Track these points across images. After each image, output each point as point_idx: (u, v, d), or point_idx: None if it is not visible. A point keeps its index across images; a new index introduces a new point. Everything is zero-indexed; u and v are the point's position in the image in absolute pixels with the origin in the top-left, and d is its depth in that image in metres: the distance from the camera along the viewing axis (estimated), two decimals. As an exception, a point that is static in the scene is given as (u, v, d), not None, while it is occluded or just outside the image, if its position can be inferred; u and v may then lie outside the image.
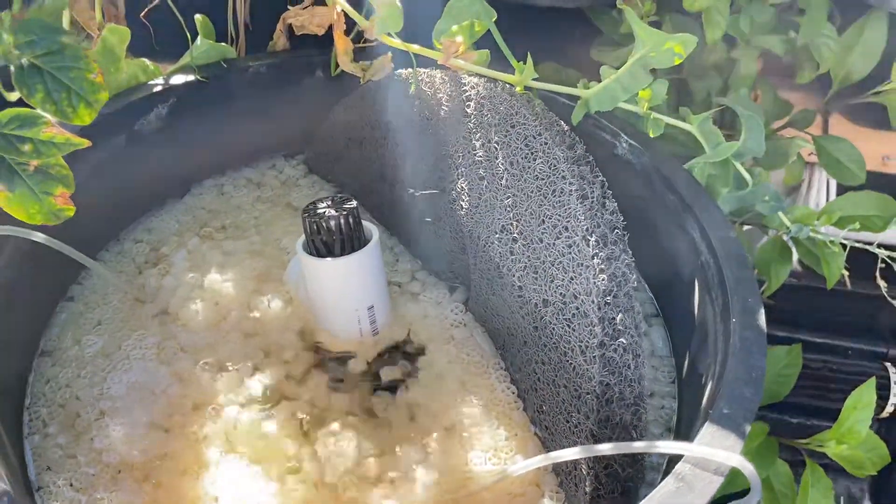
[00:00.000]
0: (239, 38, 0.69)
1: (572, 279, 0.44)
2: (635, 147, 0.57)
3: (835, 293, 0.74)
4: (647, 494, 0.44)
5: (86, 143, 0.36)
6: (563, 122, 0.51)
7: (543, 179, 0.47)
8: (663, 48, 0.51)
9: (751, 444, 0.61)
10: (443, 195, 0.55)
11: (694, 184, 0.54)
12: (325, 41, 0.65)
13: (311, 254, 0.52)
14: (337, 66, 0.68)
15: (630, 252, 0.45)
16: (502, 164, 0.50)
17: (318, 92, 0.69)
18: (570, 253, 0.44)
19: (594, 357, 0.42)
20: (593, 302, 0.42)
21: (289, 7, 0.66)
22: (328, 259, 0.51)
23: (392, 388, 0.51)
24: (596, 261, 0.43)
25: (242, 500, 0.44)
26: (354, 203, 0.51)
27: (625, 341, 0.42)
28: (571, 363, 0.44)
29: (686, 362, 0.52)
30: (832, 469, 0.66)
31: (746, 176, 0.59)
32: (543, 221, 0.46)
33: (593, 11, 0.68)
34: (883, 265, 0.68)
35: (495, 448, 0.48)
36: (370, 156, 0.62)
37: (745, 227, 0.66)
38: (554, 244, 0.45)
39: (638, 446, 0.38)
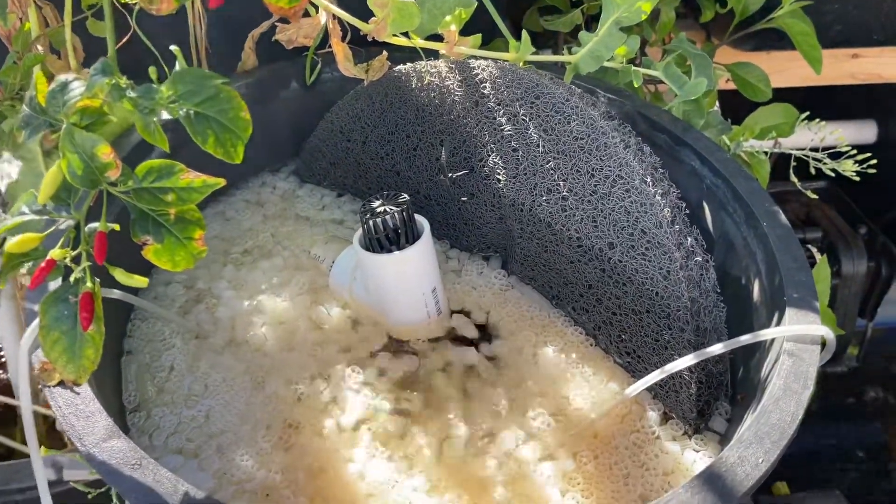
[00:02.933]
0: (201, 64, 0.68)
1: (637, 219, 0.50)
2: (614, 99, 0.64)
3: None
4: (728, 381, 0.52)
5: (221, 182, 0.37)
6: (573, 86, 0.57)
7: (584, 139, 0.52)
8: (634, 7, 0.58)
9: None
10: (473, 174, 0.59)
11: (678, 121, 0.62)
12: (289, 53, 0.66)
13: (373, 251, 0.54)
14: (312, 74, 0.69)
15: (674, 184, 0.52)
16: (535, 132, 0.55)
17: (297, 102, 0.70)
18: (629, 197, 0.50)
19: (679, 279, 0.48)
20: (666, 233, 0.49)
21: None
22: (396, 253, 0.53)
23: (478, 355, 0.56)
24: (658, 197, 0.49)
25: (403, 490, 0.46)
26: (406, 196, 0.54)
27: (699, 259, 0.49)
28: (653, 289, 0.50)
29: (713, 269, 0.60)
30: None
31: (703, 106, 0.69)
32: (593, 175, 0.52)
33: (535, -14, 0.74)
34: (795, 164, 0.80)
35: (588, 383, 0.54)
36: (376, 153, 0.65)
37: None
38: (611, 193, 0.51)
39: (745, 339, 0.45)
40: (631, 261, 0.51)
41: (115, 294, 0.48)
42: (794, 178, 0.82)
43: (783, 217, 0.53)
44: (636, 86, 0.62)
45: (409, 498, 0.46)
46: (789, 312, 0.46)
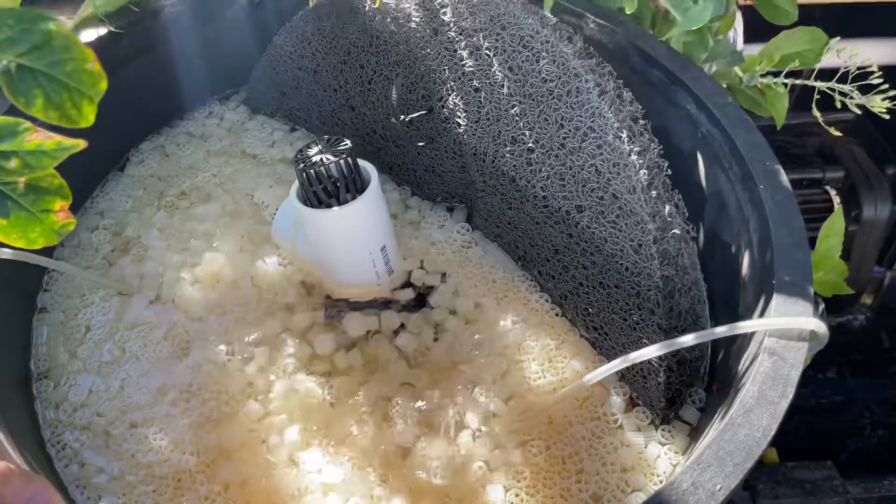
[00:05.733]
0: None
1: (609, 180, 0.43)
2: (605, 26, 0.55)
3: (763, 130, 0.76)
4: (707, 366, 0.46)
5: (81, 144, 0.31)
6: (549, 14, 0.48)
7: (553, 81, 0.44)
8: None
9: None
10: (431, 115, 0.52)
11: (677, 55, 0.53)
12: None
13: (311, 205, 0.48)
14: (261, -11, 0.61)
15: (656, 139, 0.44)
16: (500, 70, 0.47)
17: (244, 23, 0.61)
18: (601, 154, 0.43)
19: (651, 254, 0.42)
20: (639, 199, 0.42)
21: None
22: (335, 208, 0.47)
23: (428, 321, 0.50)
24: (633, 157, 0.42)
25: (331, 480, 0.42)
26: (348, 142, 0.47)
27: (677, 231, 0.42)
28: (622, 263, 0.43)
29: (702, 233, 0.53)
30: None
31: (708, 36, 0.59)
32: (562, 126, 0.44)
33: None
34: (818, 96, 0.71)
35: (549, 359, 0.48)
36: (329, 84, 0.57)
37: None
38: (581, 147, 0.44)
39: (721, 331, 0.39)
40: (600, 228, 0.44)
41: (6, 254, 0.42)
42: (816, 112, 0.72)
43: (785, 179, 0.45)
44: (628, 12, 0.53)
45: (334, 489, 0.41)
46: (777, 300, 0.39)
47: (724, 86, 0.69)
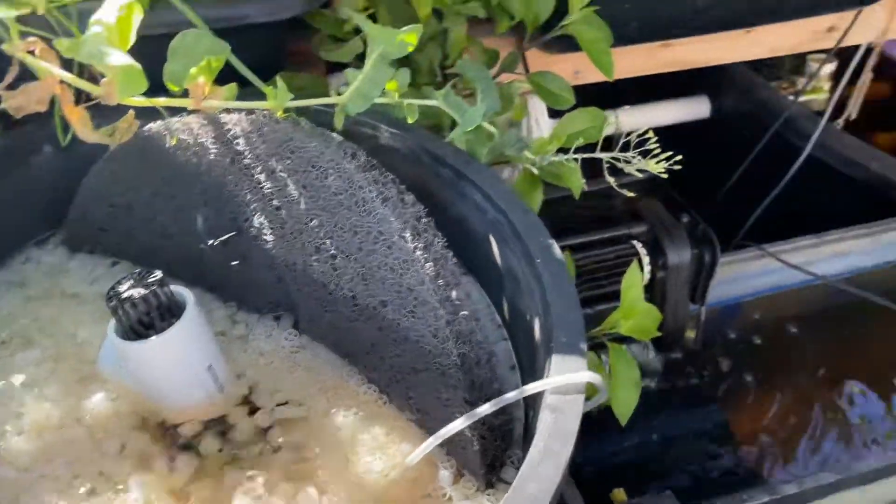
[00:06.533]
0: (-67, 134, 0.60)
1: (402, 276, 0.48)
2: (397, 134, 0.61)
3: (571, 199, 0.84)
4: (523, 427, 0.51)
5: None
6: (334, 134, 0.53)
7: (342, 194, 0.49)
8: (397, 41, 0.55)
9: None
10: (241, 235, 0.55)
11: (460, 153, 0.60)
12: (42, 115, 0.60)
13: (128, 339, 0.49)
14: (66, 135, 0.63)
15: (439, 233, 0.50)
16: (295, 190, 0.51)
17: (53, 167, 0.63)
18: (392, 253, 0.48)
19: (446, 336, 0.46)
20: (429, 289, 0.46)
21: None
22: (153, 339, 0.49)
23: (263, 433, 0.52)
24: (418, 252, 0.47)
25: None
26: (159, 273, 0.49)
27: (466, 312, 0.47)
28: (426, 347, 0.48)
29: (506, 307, 0.58)
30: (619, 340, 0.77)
31: (493, 129, 0.67)
32: (356, 232, 0.49)
33: (309, 16, 0.69)
34: (608, 165, 0.80)
35: (380, 446, 0.51)
36: (143, 216, 0.59)
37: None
38: (375, 249, 0.48)
39: (510, 397, 0.44)
40: (403, 319, 0.48)
41: None
42: (609, 178, 0.82)
43: (558, 252, 0.52)
44: (410, 121, 0.59)
45: None
46: (555, 360, 0.45)
47: (533, 167, 0.77)
